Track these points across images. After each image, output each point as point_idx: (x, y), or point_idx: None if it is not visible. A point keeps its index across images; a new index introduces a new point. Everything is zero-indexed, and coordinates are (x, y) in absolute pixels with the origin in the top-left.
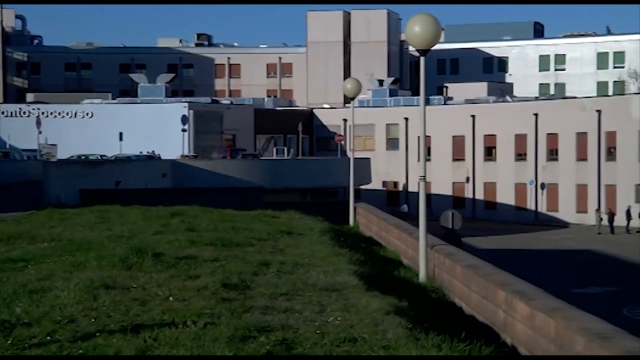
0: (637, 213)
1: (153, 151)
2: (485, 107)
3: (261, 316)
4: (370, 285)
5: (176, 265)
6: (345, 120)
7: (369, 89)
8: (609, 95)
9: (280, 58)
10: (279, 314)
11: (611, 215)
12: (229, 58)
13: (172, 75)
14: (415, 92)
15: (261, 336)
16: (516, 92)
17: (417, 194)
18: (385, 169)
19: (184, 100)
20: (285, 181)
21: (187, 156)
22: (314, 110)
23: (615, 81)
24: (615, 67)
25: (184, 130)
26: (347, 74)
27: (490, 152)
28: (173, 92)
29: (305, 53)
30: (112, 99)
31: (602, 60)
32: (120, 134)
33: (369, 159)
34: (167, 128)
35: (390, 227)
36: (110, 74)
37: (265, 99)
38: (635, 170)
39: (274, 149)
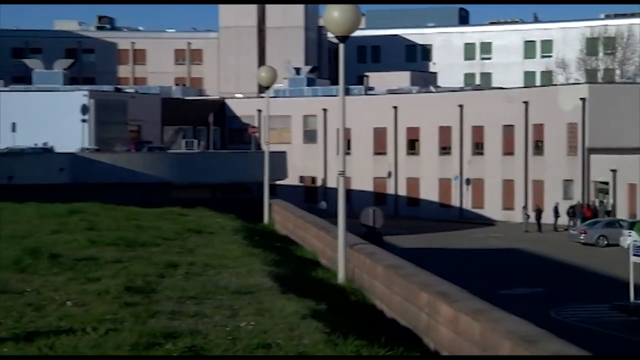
0: (565, 210)
1: (45, 143)
2: (408, 97)
3: (168, 321)
4: (285, 287)
5: (75, 267)
6: (259, 111)
7: (285, 78)
8: (536, 86)
9: (189, 44)
10: (188, 319)
11: (538, 213)
12: (133, 43)
13: (70, 61)
14: (335, 82)
15: (168, 343)
16: (440, 82)
17: (336, 189)
18: (303, 164)
19: (84, 88)
20: (195, 176)
21: (87, 149)
22: (226, 100)
23: (542, 71)
24: (542, 57)
25: (84, 121)
26: (261, 61)
27: (413, 146)
28: (72, 79)
29: (216, 38)
30: (4, 86)
31: (529, 49)
32: (13, 124)
33: (285, 152)
34: (65, 118)
35: (308, 225)
36: (2, 59)
37: (173, 88)
38: (563, 165)
39: (183, 142)
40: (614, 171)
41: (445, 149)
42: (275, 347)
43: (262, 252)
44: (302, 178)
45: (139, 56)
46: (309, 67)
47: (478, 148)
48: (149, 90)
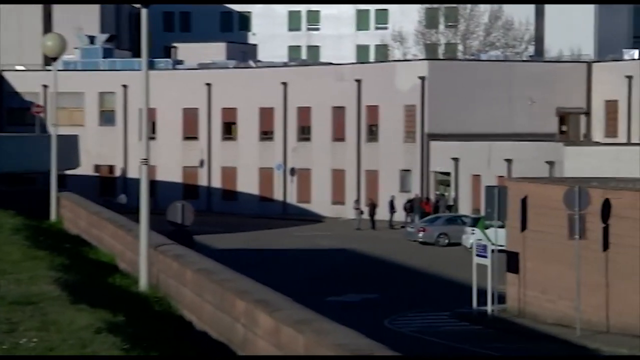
0: (402, 204)
1: None
2: (223, 73)
3: None
4: (76, 296)
5: None
6: (45, 86)
7: (76, 48)
8: (370, 62)
9: None
10: None
11: (372, 208)
12: None
13: None
14: (136, 53)
15: None
16: (261, 55)
17: (139, 181)
18: (98, 150)
19: None
20: None
21: None
22: (4, 73)
23: (377, 45)
24: (377, 28)
25: None
26: (47, 27)
27: (229, 130)
28: None
29: None
30: None
31: (362, 19)
32: None
33: (76, 136)
34: None
35: (104, 222)
36: None
37: None
38: (400, 153)
39: None
40: (456, 160)
41: (266, 134)
42: None
43: (48, 255)
44: (97, 167)
45: None
46: (105, 36)
47: (304, 133)
48: None
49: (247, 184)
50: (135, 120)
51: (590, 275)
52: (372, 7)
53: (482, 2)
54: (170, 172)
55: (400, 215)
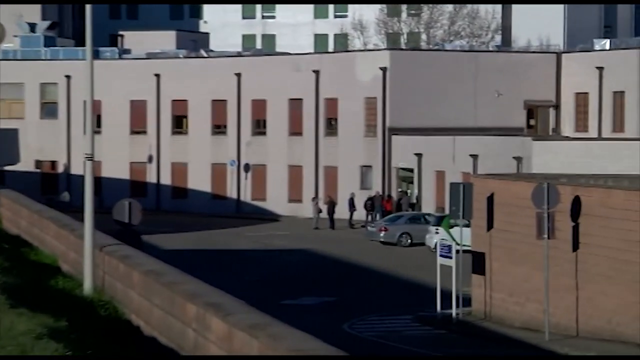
0: (363, 202)
1: None
2: (173, 63)
3: None
4: (16, 300)
5: None
6: None
7: (15, 36)
8: (329, 52)
9: None
10: None
11: (331, 206)
12: None
13: None
14: (80, 42)
15: None
16: (213, 44)
17: (83, 177)
18: (40, 145)
19: None
20: None
21: None
22: None
23: (336, 34)
24: (336, 17)
25: None
26: None
27: (179, 123)
28: None
29: None
30: None
31: (320, 7)
32: None
33: (16, 130)
34: None
35: (46, 222)
36: None
37: None
38: (361, 148)
39: None
40: (419, 156)
41: (219, 128)
42: None
43: None
44: (38, 163)
45: None
46: (47, 23)
47: (259, 127)
48: None
49: (199, 180)
50: (79, 113)
51: (559, 276)
52: None
53: (460, 2)
54: (116, 169)
55: (360, 214)
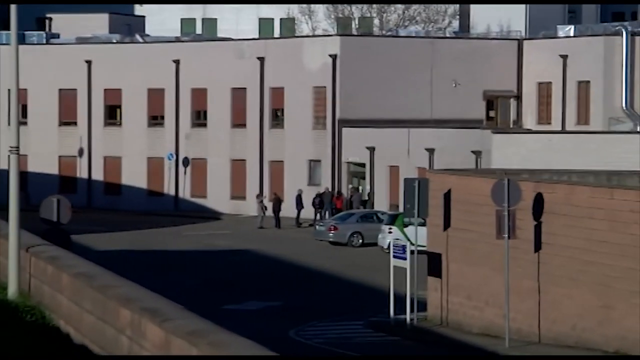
0: (311, 200)
1: None
2: (105, 49)
3: None
4: None
5: None
6: None
7: None
8: (274, 38)
9: None
10: None
11: (277, 203)
12: None
13: None
14: (4, 25)
15: None
16: (149, 29)
17: (7, 172)
18: None
19: None
20: None
21: None
22: None
23: (283, 19)
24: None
25: None
26: None
27: (113, 114)
28: None
29: None
30: None
31: None
32: None
33: None
34: None
35: None
36: None
37: None
38: (309, 141)
39: None
40: (371, 149)
41: (155, 119)
42: None
43: None
44: None
45: None
46: None
47: (199, 118)
48: None
49: (133, 176)
50: (3, 102)
51: (520, 279)
52: None
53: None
54: (44, 163)
55: (308, 212)
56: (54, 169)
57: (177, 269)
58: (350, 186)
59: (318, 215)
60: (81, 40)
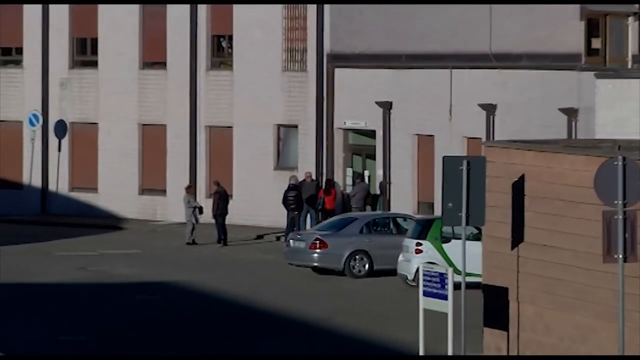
0: (282, 194)
1: None
2: None
3: None
4: None
5: None
6: None
7: None
8: None
9: None
10: None
11: (222, 200)
12: None
13: None
14: None
15: None
16: None
17: None
18: None
19: None
20: None
21: None
22: None
23: None
24: None
25: None
26: None
27: None
28: None
29: None
30: None
31: None
32: None
33: None
34: None
35: None
36: None
37: None
38: (277, 91)
39: None
40: (385, 107)
41: (8, 54)
42: None
43: None
44: None
45: None
46: None
47: (85, 52)
48: None
49: None
50: None
51: None
52: None
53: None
54: None
55: (276, 215)
56: None
57: (45, 316)
58: (350, 171)
59: (293, 221)
60: None
